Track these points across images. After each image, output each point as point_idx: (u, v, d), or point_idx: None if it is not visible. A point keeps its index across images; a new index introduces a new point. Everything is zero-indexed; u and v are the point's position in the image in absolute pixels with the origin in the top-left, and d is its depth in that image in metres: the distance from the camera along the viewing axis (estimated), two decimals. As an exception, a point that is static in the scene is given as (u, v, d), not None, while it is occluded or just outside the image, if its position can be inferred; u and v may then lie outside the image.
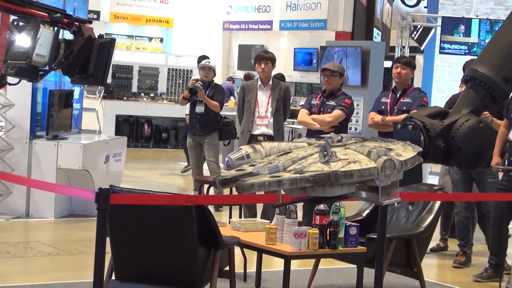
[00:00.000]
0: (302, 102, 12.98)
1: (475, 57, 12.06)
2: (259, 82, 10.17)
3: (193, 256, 6.36)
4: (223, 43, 25.10)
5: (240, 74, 23.48)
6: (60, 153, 10.38)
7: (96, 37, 3.40)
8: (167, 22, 24.71)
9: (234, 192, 7.18)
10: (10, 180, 8.98)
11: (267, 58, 10.21)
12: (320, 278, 7.95)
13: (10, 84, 3.43)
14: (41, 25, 3.26)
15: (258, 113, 9.99)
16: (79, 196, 9.93)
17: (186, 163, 17.14)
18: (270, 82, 10.13)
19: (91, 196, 5.36)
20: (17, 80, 3.47)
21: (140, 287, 6.60)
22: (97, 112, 13.97)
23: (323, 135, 4.22)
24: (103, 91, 15.05)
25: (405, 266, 7.68)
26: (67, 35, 3.49)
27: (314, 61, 21.08)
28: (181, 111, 21.40)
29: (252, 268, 7.85)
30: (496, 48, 4.22)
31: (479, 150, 3.94)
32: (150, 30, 24.35)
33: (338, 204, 6.82)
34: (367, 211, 8.08)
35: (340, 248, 6.86)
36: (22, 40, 3.27)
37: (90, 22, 3.49)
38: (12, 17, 3.38)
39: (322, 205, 6.79)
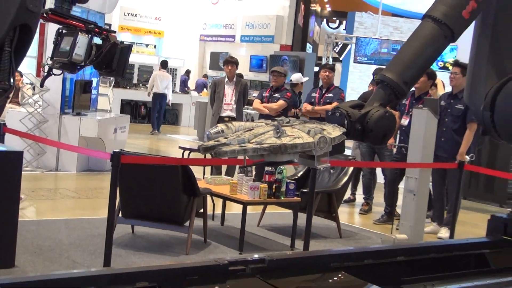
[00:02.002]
0: (255, 94, 12.94)
1: (380, 66, 12.14)
2: (226, 79, 10.13)
3: (178, 201, 6.37)
4: (199, 50, 25.00)
5: (211, 73, 23.46)
6: (82, 125, 10.32)
7: (119, 42, 3.38)
8: (160, 33, 24.54)
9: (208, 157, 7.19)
10: (46, 143, 8.90)
11: (233, 62, 10.17)
12: (267, 219, 8.00)
13: (55, 75, 3.39)
14: (79, 33, 3.24)
15: (225, 101, 9.97)
16: (97, 157, 9.91)
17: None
18: (234, 79, 10.10)
19: (107, 156, 5.34)
20: (60, 72, 3.44)
21: (139, 222, 6.60)
22: (108, 97, 13.84)
23: (276, 118, 4.20)
24: (113, 82, 14.91)
25: (327, 212, 7.75)
26: (97, 40, 3.45)
27: (264, 65, 21.07)
28: (180, 96, 21.73)
29: (218, 211, 7.88)
30: (400, 59, 4.13)
31: (385, 132, 3.89)
32: (147, 39, 24.14)
33: (282, 167, 6.85)
34: (301, 172, 8.11)
35: (282, 198, 6.91)
36: (65, 43, 3.25)
37: (114, 32, 3.47)
38: (57, 26, 3.36)
39: (270, 167, 6.82)
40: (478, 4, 4.14)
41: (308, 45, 24.89)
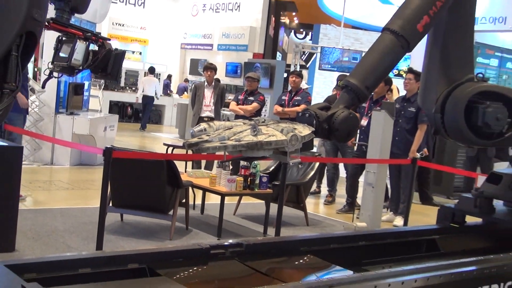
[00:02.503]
0: (231, 97, 12.92)
1: (343, 73, 12.19)
2: (206, 83, 10.11)
3: (163, 192, 6.36)
4: (180, 57, 24.88)
5: (191, 78, 23.37)
6: (75, 124, 10.25)
7: (113, 49, 3.38)
8: (145, 41, 24.38)
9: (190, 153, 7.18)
10: (42, 138, 8.83)
11: (212, 68, 10.15)
12: (242, 208, 8.02)
13: (55, 77, 3.38)
14: (77, 40, 3.23)
15: (205, 103, 9.94)
16: (91, 152, 9.84)
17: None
18: (213, 83, 10.08)
19: (100, 151, 5.32)
20: (60, 75, 3.42)
21: (128, 211, 6.58)
22: (99, 98, 13.80)
23: (252, 118, 4.20)
24: (103, 85, 14.86)
25: (295, 203, 7.78)
26: (93, 47, 3.44)
27: (239, 71, 21.04)
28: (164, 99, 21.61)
29: (199, 201, 7.88)
30: (362, 66, 4.11)
31: (349, 131, 3.88)
32: (133, 46, 23.95)
33: (256, 162, 6.87)
34: (273, 167, 8.12)
35: (256, 190, 6.93)
36: (65, 49, 3.23)
37: (109, 39, 3.46)
38: (53, 34, 3.35)
39: (246, 162, 6.83)
40: (431, 19, 4.18)
41: (278, 53, 24.95)
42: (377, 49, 4.14)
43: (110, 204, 6.39)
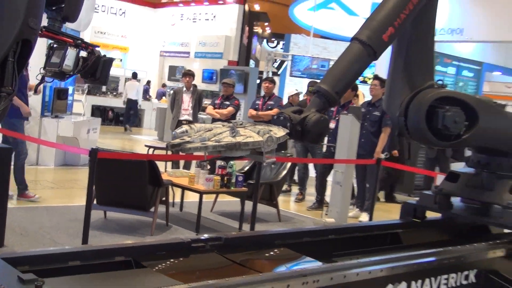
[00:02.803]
0: (207, 102, 12.90)
1: (313, 79, 12.23)
2: (184, 88, 10.11)
3: (144, 190, 6.35)
4: (159, 64, 24.81)
5: (169, 83, 23.29)
6: (59, 126, 10.17)
7: (102, 56, 3.38)
8: (125, 49, 24.28)
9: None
10: (30, 140, 8.73)
11: (190, 74, 10.16)
12: (218, 206, 8.05)
13: (47, 82, 3.37)
14: (68, 47, 3.23)
15: (183, 107, 9.94)
16: (77, 153, 9.77)
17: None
18: (191, 89, 10.08)
19: (86, 152, 5.30)
20: (51, 80, 3.42)
21: (111, 208, 6.56)
22: (82, 102, 13.68)
23: (231, 120, 4.24)
24: (86, 90, 14.76)
25: (269, 200, 7.81)
26: (82, 53, 3.44)
27: (214, 77, 21.06)
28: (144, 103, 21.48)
29: (178, 199, 7.88)
30: (332, 73, 4.13)
31: (320, 133, 3.91)
32: (114, 53, 23.74)
33: (232, 163, 6.91)
34: (248, 167, 8.16)
35: (232, 188, 6.97)
36: (56, 55, 3.23)
37: (98, 47, 3.47)
38: (49, 41, 3.35)
39: (222, 162, 6.86)
40: (396, 30, 4.25)
41: (251, 61, 25.02)
42: (346, 57, 4.19)
43: (95, 202, 6.36)
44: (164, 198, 6.71)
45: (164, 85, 23.37)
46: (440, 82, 4.97)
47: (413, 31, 4.58)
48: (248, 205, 7.06)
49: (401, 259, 3.87)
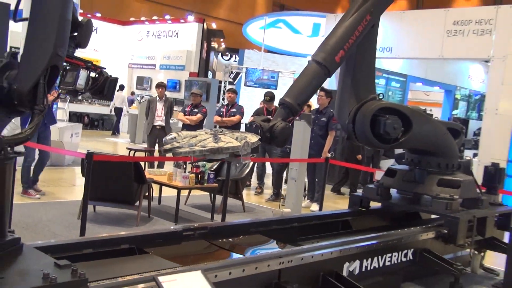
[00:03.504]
0: (175, 108, 12.84)
1: (268, 90, 12.36)
2: (157, 98, 10.12)
3: (130, 187, 6.39)
4: (128, 75, 24.49)
5: (137, 92, 22.98)
6: (47, 131, 10.04)
7: (109, 76, 3.48)
8: (97, 61, 23.80)
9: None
10: (31, 145, 8.55)
11: (163, 85, 10.18)
12: (191, 199, 8.10)
13: (61, 98, 3.44)
14: (81, 69, 3.31)
15: (157, 114, 9.96)
16: (74, 155, 9.56)
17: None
18: (163, 98, 10.12)
19: (83, 155, 5.28)
20: (65, 96, 3.49)
21: (101, 203, 6.55)
22: (65, 110, 13.53)
23: (215, 128, 4.37)
24: (69, 99, 14.55)
25: (234, 194, 7.91)
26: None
27: (177, 87, 21.04)
28: (104, 109, 21.07)
29: (156, 194, 7.88)
30: (294, 88, 4.25)
31: (286, 138, 4.09)
32: (88, 65, 23.39)
33: (204, 163, 7.01)
34: (215, 166, 8.22)
35: (205, 184, 7.09)
36: (69, 76, 3.29)
37: (105, 69, 3.57)
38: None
39: (197, 163, 6.96)
40: (345, 53, 4.50)
41: (209, 72, 25.08)
42: (305, 74, 4.41)
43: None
44: (146, 194, 6.75)
45: (132, 93, 23.12)
46: (381, 96, 5.27)
47: (358, 54, 4.84)
48: (218, 198, 7.23)
49: (354, 241, 4.12)
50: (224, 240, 4.08)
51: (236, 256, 3.70)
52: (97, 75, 3.47)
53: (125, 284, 2.57)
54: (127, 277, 2.63)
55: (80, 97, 20.69)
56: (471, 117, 16.91)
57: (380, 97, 5.16)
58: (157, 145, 9.97)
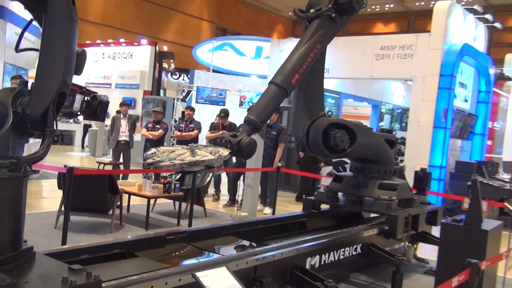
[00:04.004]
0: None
1: (223, 107, 12.44)
2: (121, 115, 10.05)
3: (104, 197, 6.35)
4: (85, 93, 23.89)
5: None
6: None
7: (101, 100, 3.54)
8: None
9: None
10: None
11: (126, 104, 10.15)
12: (157, 207, 8.08)
13: (59, 119, 3.46)
14: (76, 94, 3.37)
15: (121, 130, 9.89)
16: (57, 170, 9.18)
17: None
18: (127, 115, 10.06)
19: (63, 170, 5.24)
20: (60, 117, 3.51)
21: (76, 213, 6.42)
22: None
23: (189, 144, 4.46)
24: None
25: (197, 201, 7.92)
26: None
27: (133, 104, 20.73)
28: (63, 125, 20.44)
29: (125, 203, 7.81)
30: (257, 107, 4.37)
31: (250, 151, 4.24)
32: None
33: (171, 173, 7.05)
34: (178, 176, 8.22)
35: (172, 193, 7.13)
36: (66, 100, 3.33)
37: (97, 93, 3.62)
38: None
39: (165, 174, 6.99)
40: (300, 76, 4.73)
41: (161, 90, 24.92)
42: (266, 95, 4.60)
43: (62, 208, 6.28)
44: (118, 203, 6.72)
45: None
46: (330, 113, 5.55)
47: (310, 77, 5.09)
48: (183, 205, 7.28)
49: (315, 239, 4.34)
50: (202, 241, 4.19)
51: (215, 256, 3.83)
52: (89, 99, 3.54)
53: (165, 275, 2.70)
54: (168, 271, 2.76)
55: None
56: (395, 128, 17.70)
57: (329, 113, 5.44)
58: (121, 158, 9.89)
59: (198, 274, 2.37)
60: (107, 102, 3.58)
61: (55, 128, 2.77)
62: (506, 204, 6.23)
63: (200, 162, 4.42)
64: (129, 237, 3.97)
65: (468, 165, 10.05)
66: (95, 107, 3.48)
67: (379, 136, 5.64)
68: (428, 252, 6.62)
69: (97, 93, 3.63)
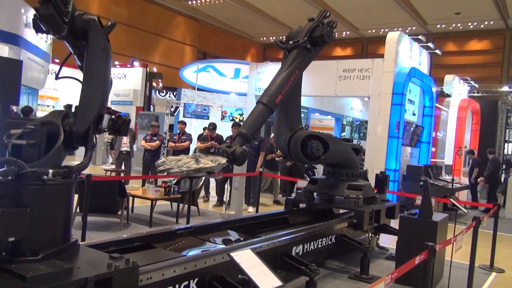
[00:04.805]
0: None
1: (211, 121, 12.55)
2: (122, 129, 10.09)
3: (115, 200, 6.45)
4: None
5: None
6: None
7: (125, 119, 3.69)
8: (56, 99, 22.97)
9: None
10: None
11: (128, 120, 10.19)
12: (158, 208, 8.13)
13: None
14: (104, 114, 3.52)
15: (123, 142, 9.95)
16: None
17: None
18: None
19: (82, 176, 5.34)
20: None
21: (92, 214, 6.41)
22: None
23: (194, 154, 4.66)
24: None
25: (192, 202, 7.97)
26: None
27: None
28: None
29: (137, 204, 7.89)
30: (248, 122, 4.53)
31: (243, 159, 4.43)
32: (48, 101, 22.48)
33: (171, 178, 7.16)
34: (175, 180, 8.37)
35: (171, 196, 7.23)
36: None
37: (121, 113, 3.79)
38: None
39: (165, 179, 7.11)
40: (283, 96, 4.98)
41: (151, 106, 24.89)
42: (255, 112, 4.84)
43: (78, 210, 6.36)
44: (125, 205, 6.83)
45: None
46: (307, 126, 5.83)
47: (290, 97, 5.36)
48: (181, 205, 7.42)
49: (298, 231, 4.58)
50: (206, 235, 4.39)
51: (219, 246, 4.04)
52: (115, 118, 3.71)
53: (204, 256, 3.00)
54: (206, 253, 3.11)
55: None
56: (354, 137, 18.19)
57: (306, 127, 5.74)
58: (123, 165, 9.96)
59: (232, 254, 2.60)
60: (129, 120, 3.76)
61: (94, 143, 2.97)
62: (451, 200, 6.61)
63: (203, 169, 4.65)
64: (143, 232, 4.13)
65: (417, 169, 10.49)
66: (120, 125, 3.65)
67: (347, 145, 5.94)
68: (387, 241, 6.95)
69: (120, 112, 3.81)
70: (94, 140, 2.98)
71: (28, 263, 2.40)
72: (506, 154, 17.54)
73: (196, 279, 3.16)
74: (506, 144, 19.24)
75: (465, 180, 12.89)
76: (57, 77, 3.42)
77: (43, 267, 2.34)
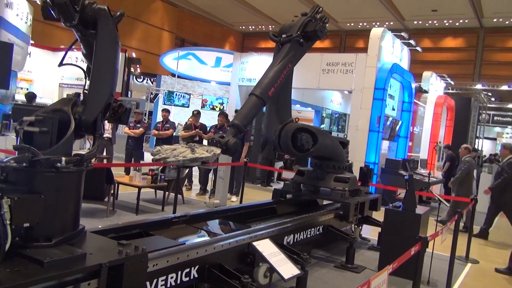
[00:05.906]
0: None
1: (197, 109, 12.52)
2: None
3: (102, 186, 6.46)
4: (58, 92, 23.15)
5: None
6: (7, 142, 9.48)
7: (126, 108, 3.71)
8: (30, 81, 22.30)
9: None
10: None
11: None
12: (142, 195, 8.16)
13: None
14: (112, 103, 3.51)
15: (105, 128, 9.79)
16: None
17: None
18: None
19: None
20: None
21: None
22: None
23: (189, 143, 4.69)
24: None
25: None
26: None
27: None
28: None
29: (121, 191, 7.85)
30: (241, 113, 4.59)
31: (236, 149, 4.50)
32: (21, 84, 21.77)
33: (157, 167, 7.19)
34: (160, 168, 8.39)
35: (158, 184, 7.29)
36: None
37: (121, 102, 3.80)
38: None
39: (153, 167, 7.13)
40: (275, 89, 5.07)
41: (129, 92, 24.56)
42: (248, 104, 4.92)
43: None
44: (112, 192, 6.83)
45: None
46: (297, 119, 5.94)
47: (281, 90, 5.46)
48: (170, 195, 7.46)
49: (289, 222, 4.72)
50: (200, 223, 4.48)
51: (213, 235, 4.13)
52: (116, 106, 3.72)
53: (225, 245, 3.17)
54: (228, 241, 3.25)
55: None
56: (333, 129, 18.47)
57: (296, 120, 5.83)
58: (104, 152, 9.87)
59: (254, 243, 2.71)
60: (130, 109, 3.79)
61: (102, 131, 3.00)
62: (434, 193, 6.89)
63: (198, 159, 4.69)
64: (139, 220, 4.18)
65: (395, 162, 10.80)
66: (121, 114, 3.67)
67: (335, 139, 6.10)
68: (368, 232, 7.20)
69: (121, 101, 3.83)
70: (102, 129, 3.01)
71: (41, 248, 2.44)
72: (477, 149, 18.17)
73: (197, 267, 3.26)
74: (477, 140, 19.94)
75: (439, 174, 13.32)
76: (61, 64, 3.42)
77: (59, 252, 2.39)
